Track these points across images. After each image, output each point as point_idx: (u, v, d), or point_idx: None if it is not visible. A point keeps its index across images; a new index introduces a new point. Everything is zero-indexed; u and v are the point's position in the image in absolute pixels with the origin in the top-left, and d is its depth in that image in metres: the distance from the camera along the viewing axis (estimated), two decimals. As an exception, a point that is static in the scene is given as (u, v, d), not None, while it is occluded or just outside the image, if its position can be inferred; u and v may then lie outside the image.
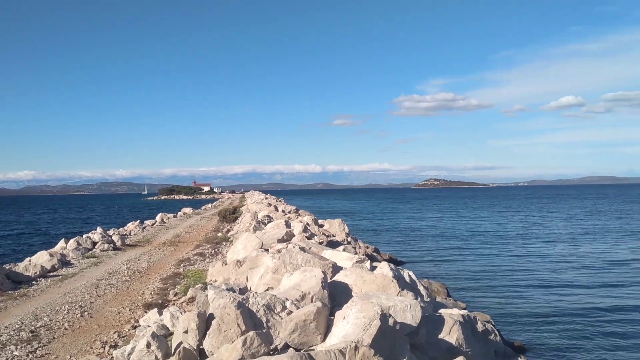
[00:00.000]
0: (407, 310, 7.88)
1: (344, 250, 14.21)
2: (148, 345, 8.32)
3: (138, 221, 45.74)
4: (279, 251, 12.78)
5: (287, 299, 8.25)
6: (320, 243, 17.18)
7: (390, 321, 7.15)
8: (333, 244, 18.59)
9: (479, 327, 9.82)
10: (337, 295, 8.99)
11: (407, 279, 10.56)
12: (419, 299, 10.57)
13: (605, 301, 23.13)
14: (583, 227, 60.59)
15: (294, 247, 12.34)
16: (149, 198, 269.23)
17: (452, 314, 9.15)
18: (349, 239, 24.66)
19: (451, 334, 8.40)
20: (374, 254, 29.65)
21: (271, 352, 6.99)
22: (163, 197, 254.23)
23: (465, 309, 15.65)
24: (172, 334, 9.60)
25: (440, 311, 9.77)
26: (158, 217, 50.88)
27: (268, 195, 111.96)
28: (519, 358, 12.40)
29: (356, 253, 14.51)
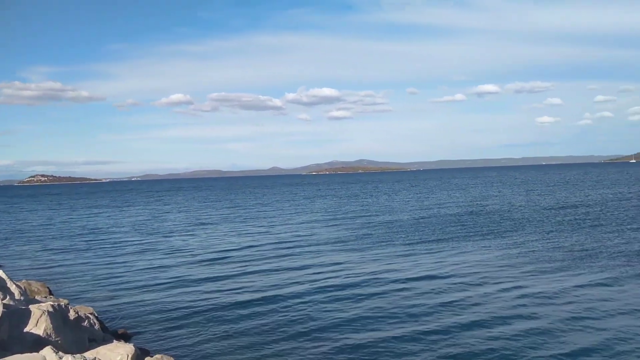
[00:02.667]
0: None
1: None
2: None
3: None
4: None
5: None
6: None
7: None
8: None
9: (71, 315, 10.01)
10: None
11: (-7, 278, 9.92)
12: (8, 297, 10.11)
13: (211, 288, 25.99)
14: (199, 218, 65.85)
15: None
16: None
17: (41, 306, 9.10)
18: None
19: (38, 325, 8.41)
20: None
21: None
22: None
23: (68, 304, 15.44)
24: None
25: (30, 306, 9.57)
26: None
27: None
28: (118, 341, 13.10)
29: None
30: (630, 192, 75.94)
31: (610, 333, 15.91)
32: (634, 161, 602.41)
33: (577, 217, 46.27)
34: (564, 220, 44.79)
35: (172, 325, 18.80)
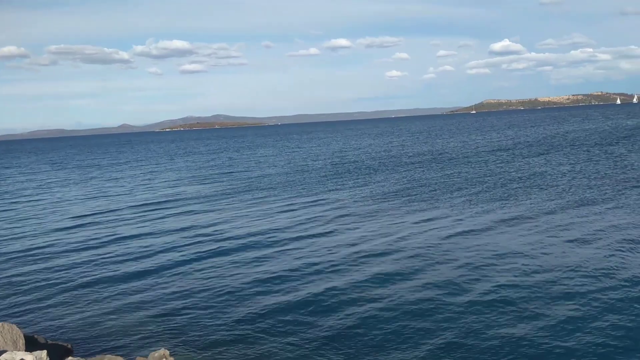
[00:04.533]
0: None
1: None
2: None
3: None
4: None
5: None
6: None
7: None
8: None
9: None
10: None
11: None
12: None
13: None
14: (47, 183, 59.53)
15: None
16: None
17: None
18: None
19: None
20: None
21: None
22: None
23: None
24: None
25: None
26: None
27: None
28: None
29: None
30: (476, 140, 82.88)
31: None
32: (474, 112, 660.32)
33: (432, 163, 49.23)
34: (418, 165, 47.35)
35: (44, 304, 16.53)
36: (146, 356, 10.85)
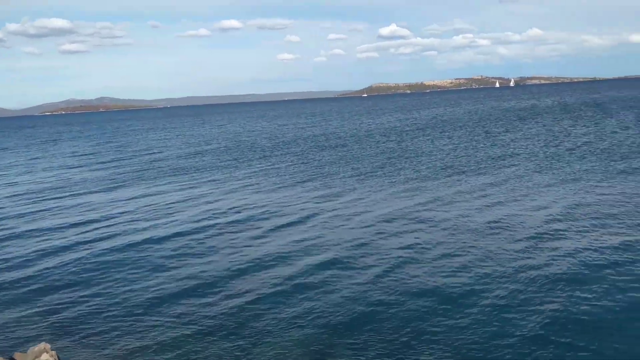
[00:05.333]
0: None
1: None
2: None
3: None
4: None
5: None
6: None
7: None
8: None
9: None
10: None
11: None
12: None
13: None
14: None
15: None
16: None
17: None
18: None
19: None
20: None
21: None
22: None
23: None
24: None
25: None
26: None
27: None
28: None
29: None
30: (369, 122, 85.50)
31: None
32: (365, 95, 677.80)
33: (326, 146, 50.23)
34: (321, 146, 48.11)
35: None
36: (25, 351, 10.16)
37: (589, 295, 12.72)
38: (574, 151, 35.75)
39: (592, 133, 45.54)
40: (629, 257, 14.98)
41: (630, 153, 33.06)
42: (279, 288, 14.59)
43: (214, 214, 24.11)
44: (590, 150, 35.38)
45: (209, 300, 14.12)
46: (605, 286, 13.16)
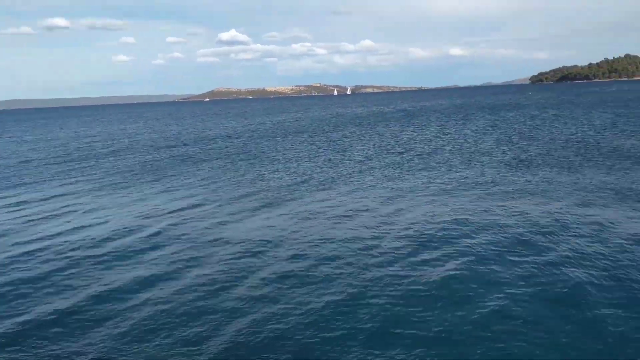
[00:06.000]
0: None
1: None
2: None
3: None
4: None
5: None
6: None
7: None
8: None
9: None
10: None
11: None
12: None
13: None
14: None
15: None
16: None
17: None
18: None
19: None
20: None
21: None
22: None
23: None
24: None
25: None
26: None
27: None
28: None
29: None
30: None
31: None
32: (208, 100, 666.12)
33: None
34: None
35: None
36: None
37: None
38: (403, 154, 39.53)
39: (418, 136, 50.73)
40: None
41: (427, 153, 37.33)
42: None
43: None
44: (417, 154, 39.42)
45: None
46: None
